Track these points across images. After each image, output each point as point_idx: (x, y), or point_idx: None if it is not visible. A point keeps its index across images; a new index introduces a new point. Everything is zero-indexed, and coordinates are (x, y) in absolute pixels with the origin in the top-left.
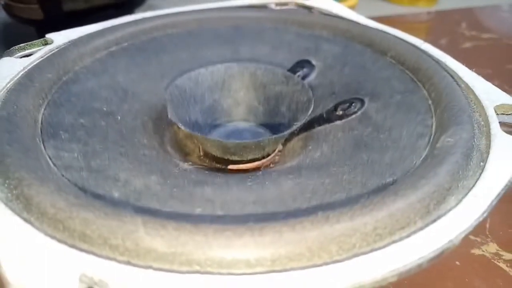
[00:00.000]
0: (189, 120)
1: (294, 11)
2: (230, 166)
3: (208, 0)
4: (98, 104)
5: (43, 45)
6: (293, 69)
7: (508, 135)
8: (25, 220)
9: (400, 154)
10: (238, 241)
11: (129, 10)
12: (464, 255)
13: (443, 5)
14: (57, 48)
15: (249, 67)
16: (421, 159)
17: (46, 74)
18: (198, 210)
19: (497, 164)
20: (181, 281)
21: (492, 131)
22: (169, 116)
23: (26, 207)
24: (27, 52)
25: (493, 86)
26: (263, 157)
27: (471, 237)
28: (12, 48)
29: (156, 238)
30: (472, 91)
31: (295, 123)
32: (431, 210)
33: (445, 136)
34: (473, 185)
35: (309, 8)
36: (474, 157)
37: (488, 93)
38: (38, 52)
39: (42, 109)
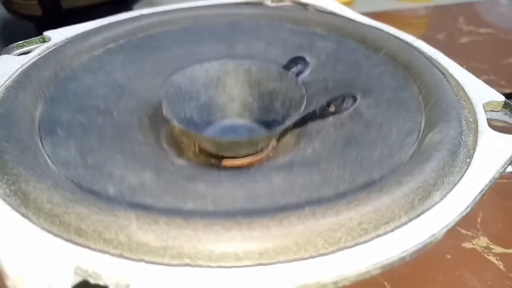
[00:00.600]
0: (184, 116)
1: (290, 8)
2: (225, 162)
3: None
4: (95, 101)
5: (40, 42)
6: (287, 66)
7: (495, 132)
8: (23, 215)
9: (389, 151)
10: (227, 235)
11: (127, 6)
12: (455, 249)
13: (442, 0)
14: (54, 46)
15: (243, 64)
16: (409, 155)
17: (43, 71)
18: (189, 206)
19: (482, 160)
20: (172, 273)
21: (480, 128)
22: (164, 113)
23: (23, 203)
24: (25, 49)
25: (483, 83)
26: (257, 153)
27: (463, 231)
28: (10, 46)
29: (148, 232)
30: (462, 88)
31: (287, 120)
32: (415, 205)
33: (432, 133)
34: (458, 181)
35: (304, 5)
36: (461, 154)
37: (478, 90)
38: (36, 50)
39: (40, 106)
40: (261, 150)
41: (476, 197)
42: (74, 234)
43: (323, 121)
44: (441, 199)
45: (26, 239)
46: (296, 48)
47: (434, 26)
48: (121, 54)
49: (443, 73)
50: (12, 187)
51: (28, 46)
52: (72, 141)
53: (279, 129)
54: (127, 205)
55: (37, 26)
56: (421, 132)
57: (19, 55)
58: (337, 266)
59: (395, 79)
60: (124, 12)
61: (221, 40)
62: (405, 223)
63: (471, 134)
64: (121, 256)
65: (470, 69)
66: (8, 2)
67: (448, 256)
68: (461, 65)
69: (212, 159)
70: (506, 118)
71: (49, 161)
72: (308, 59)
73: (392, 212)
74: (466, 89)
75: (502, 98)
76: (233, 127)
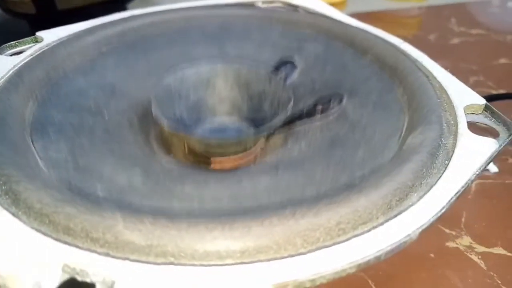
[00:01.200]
0: (174, 116)
1: (280, 10)
2: (213, 161)
3: None
4: (86, 101)
5: (33, 42)
6: (277, 67)
7: (474, 135)
8: (13, 214)
9: (372, 152)
10: (210, 235)
11: (122, 6)
12: (439, 248)
13: (435, 0)
14: (47, 46)
15: (233, 65)
16: (390, 157)
17: (35, 72)
18: (176, 206)
19: (459, 163)
20: (156, 271)
21: (459, 131)
22: (153, 114)
23: (14, 202)
24: (17, 49)
25: (466, 86)
26: (246, 152)
27: (447, 230)
28: (3, 46)
29: (134, 232)
30: (445, 91)
31: (274, 120)
32: (393, 206)
33: (413, 135)
34: (435, 183)
35: (294, 7)
36: (440, 156)
37: (460, 93)
38: (28, 50)
39: (32, 107)
40: (250, 150)
41: (451, 198)
42: (63, 233)
43: (310, 121)
44: (418, 200)
45: (16, 238)
46: (286, 50)
47: (426, 26)
48: (113, 55)
49: (427, 76)
50: (3, 187)
51: (21, 46)
52: (63, 142)
53: (265, 129)
54: (114, 205)
55: (31, 25)
56: (402, 134)
57: (11, 55)
58: (315, 264)
59: (381, 81)
60: (118, 12)
61: (212, 41)
62: (382, 223)
63: (451, 137)
64: (107, 254)
65: (460, 70)
66: (1, 0)
67: (432, 255)
68: (451, 66)
69: (201, 159)
70: (486, 120)
71: (40, 162)
72: (297, 60)
73: (369, 213)
74: (449, 92)
75: (483, 101)
76: (222, 127)
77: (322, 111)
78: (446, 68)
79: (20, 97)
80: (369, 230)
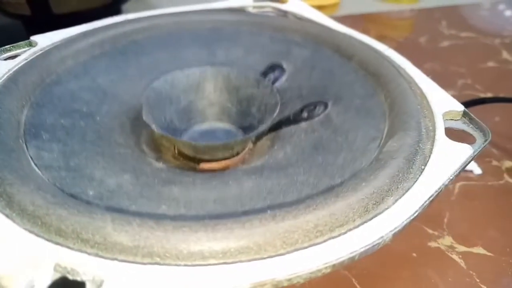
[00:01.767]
0: (164, 120)
1: (270, 15)
2: (202, 165)
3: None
4: (78, 105)
5: (27, 46)
6: (265, 72)
7: (450, 141)
8: (7, 216)
9: (352, 157)
10: (193, 236)
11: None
12: (421, 248)
13: (427, 3)
14: (41, 50)
15: (223, 70)
16: (370, 161)
17: (29, 77)
18: (163, 208)
19: (435, 168)
20: (143, 271)
21: (437, 136)
22: (143, 118)
23: (8, 204)
24: (12, 53)
25: (446, 93)
26: (233, 156)
27: (429, 230)
28: None
29: (122, 233)
30: (426, 97)
31: (261, 125)
32: (369, 210)
33: (392, 141)
34: (411, 187)
35: (284, 12)
36: (417, 161)
37: (440, 100)
38: (23, 55)
39: (25, 111)
40: (237, 154)
41: (425, 202)
42: (55, 234)
43: (296, 126)
44: (394, 203)
45: (10, 239)
46: (274, 55)
47: (417, 29)
48: (105, 59)
49: (409, 82)
50: None
51: (15, 50)
52: (55, 145)
53: (252, 134)
54: (104, 207)
55: (26, 26)
56: (382, 139)
57: (6, 59)
58: (292, 265)
59: (365, 87)
60: (113, 14)
61: (202, 46)
62: (358, 226)
63: (429, 142)
64: (97, 255)
65: (448, 73)
66: None
67: (414, 255)
68: (440, 68)
69: (191, 161)
70: (464, 126)
71: (33, 164)
72: (285, 65)
73: (346, 216)
74: (429, 99)
75: (461, 108)
76: (212, 131)
77: (308, 117)
78: (434, 71)
79: (14, 101)
80: (345, 232)
